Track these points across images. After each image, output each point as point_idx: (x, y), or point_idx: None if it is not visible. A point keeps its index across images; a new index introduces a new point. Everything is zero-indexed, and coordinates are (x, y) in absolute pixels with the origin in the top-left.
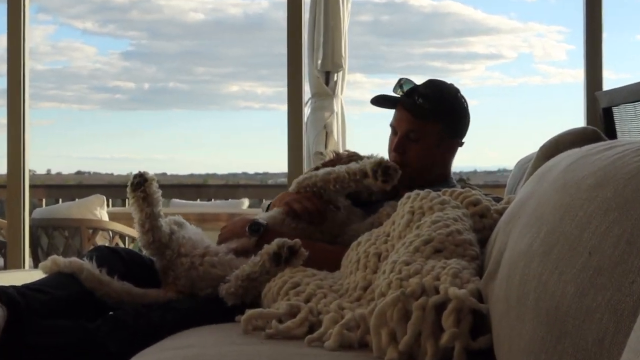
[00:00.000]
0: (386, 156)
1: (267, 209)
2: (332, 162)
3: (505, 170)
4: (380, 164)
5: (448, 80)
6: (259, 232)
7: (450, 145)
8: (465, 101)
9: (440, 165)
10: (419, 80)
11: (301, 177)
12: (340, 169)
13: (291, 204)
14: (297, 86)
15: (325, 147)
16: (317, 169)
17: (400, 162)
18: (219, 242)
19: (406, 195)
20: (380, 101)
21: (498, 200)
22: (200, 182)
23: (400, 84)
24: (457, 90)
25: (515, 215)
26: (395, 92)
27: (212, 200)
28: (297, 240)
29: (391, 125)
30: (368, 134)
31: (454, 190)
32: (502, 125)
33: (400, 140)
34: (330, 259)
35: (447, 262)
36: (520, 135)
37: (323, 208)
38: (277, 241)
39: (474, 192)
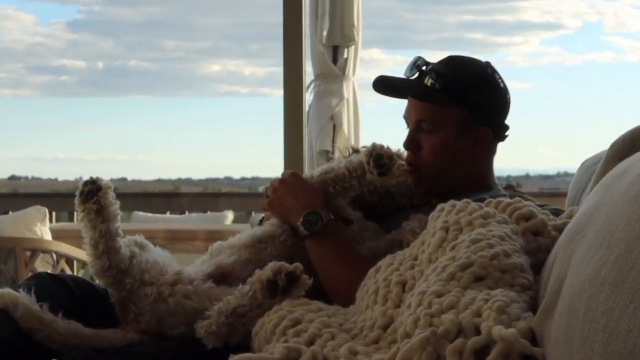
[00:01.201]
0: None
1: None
2: None
3: (566, 174)
4: (370, 153)
5: (492, 59)
6: (314, 228)
7: (478, 137)
8: (498, 78)
9: (469, 163)
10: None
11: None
12: (340, 164)
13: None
14: (296, 65)
15: (333, 143)
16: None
17: (413, 161)
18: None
19: (439, 207)
20: (382, 85)
21: (557, 213)
22: (170, 190)
23: (415, 64)
24: (485, 65)
25: (579, 233)
26: (409, 75)
27: (186, 213)
28: (297, 264)
29: (404, 117)
30: (387, 126)
31: (500, 201)
32: (562, 116)
33: (411, 134)
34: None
35: (490, 293)
36: (586, 128)
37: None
38: (271, 266)
39: (525, 202)
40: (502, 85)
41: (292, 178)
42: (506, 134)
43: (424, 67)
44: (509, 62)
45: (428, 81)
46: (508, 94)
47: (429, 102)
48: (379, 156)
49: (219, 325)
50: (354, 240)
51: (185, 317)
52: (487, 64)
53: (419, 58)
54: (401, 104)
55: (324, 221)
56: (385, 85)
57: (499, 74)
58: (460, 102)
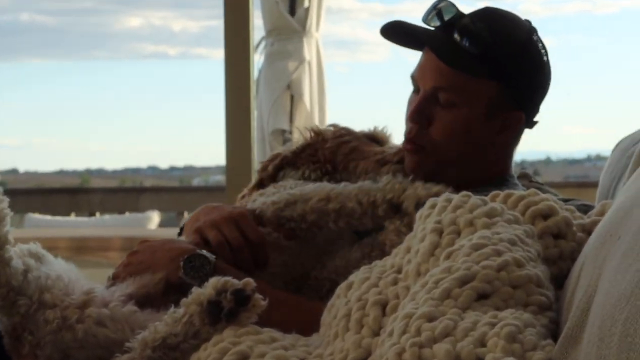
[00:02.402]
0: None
1: (181, 232)
2: (312, 149)
3: (598, 158)
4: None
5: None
6: (202, 273)
7: (507, 121)
8: (542, 47)
9: (488, 152)
10: (466, 8)
11: (270, 200)
12: (347, 189)
13: (204, 230)
14: (240, 18)
15: (291, 121)
16: (279, 167)
17: (417, 137)
18: (111, 283)
19: (429, 202)
20: (395, 32)
21: (586, 210)
22: (76, 185)
23: (437, 9)
24: (530, 29)
25: (612, 235)
26: (428, 23)
27: (97, 214)
28: (248, 280)
29: (412, 77)
30: (363, 97)
31: (509, 193)
32: (593, 82)
33: (421, 102)
34: (304, 314)
35: (498, 316)
36: (624, 99)
37: (261, 239)
38: (214, 282)
39: (543, 195)
40: (545, 57)
41: (142, 244)
42: (535, 119)
43: (452, 17)
44: (524, 10)
45: (463, 40)
46: (550, 68)
47: (457, 69)
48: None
49: None
50: (320, 249)
51: (98, 350)
52: (532, 28)
53: (447, 1)
54: (387, 67)
55: (211, 263)
56: (401, 30)
57: (542, 42)
58: (498, 75)
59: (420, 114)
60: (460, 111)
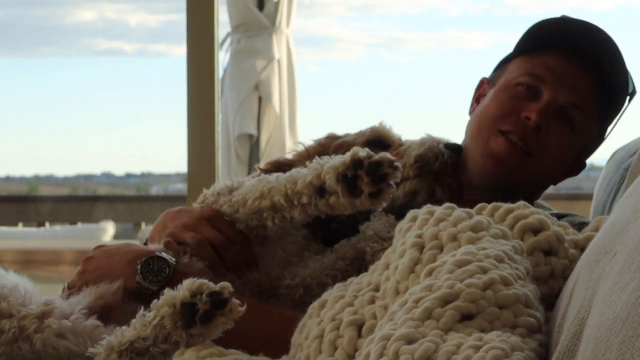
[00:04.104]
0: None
1: (146, 244)
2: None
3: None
4: (357, 160)
5: None
6: (161, 276)
7: (579, 168)
8: None
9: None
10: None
11: (240, 194)
12: (279, 181)
13: (177, 234)
14: (204, 12)
15: (259, 124)
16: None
17: (532, 140)
18: (67, 293)
19: (410, 214)
20: (566, 28)
21: (580, 225)
22: (23, 192)
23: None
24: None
25: (607, 252)
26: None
27: (47, 225)
28: (225, 284)
29: (533, 74)
30: (341, 98)
31: (497, 206)
32: None
33: (548, 110)
34: (281, 325)
35: (483, 338)
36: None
37: (243, 236)
38: (189, 283)
39: (533, 209)
40: None
41: (97, 249)
42: None
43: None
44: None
45: (619, 75)
46: None
47: (599, 102)
48: (378, 163)
49: None
50: (284, 259)
51: None
52: None
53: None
54: (365, 68)
55: (171, 266)
56: (580, 27)
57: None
58: (616, 111)
59: (543, 122)
60: (579, 137)
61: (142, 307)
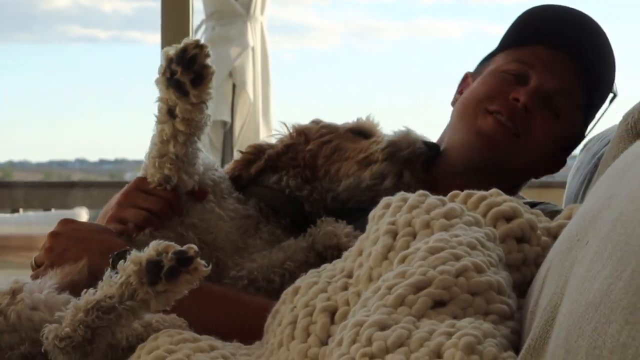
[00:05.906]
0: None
1: None
2: (293, 151)
3: None
4: (168, 58)
5: None
6: None
7: (564, 160)
8: None
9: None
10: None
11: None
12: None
13: (118, 215)
14: (179, 0)
15: (232, 111)
16: (263, 169)
17: (520, 121)
18: (36, 273)
19: (383, 201)
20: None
21: (552, 213)
22: None
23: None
24: None
25: (580, 240)
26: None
27: (20, 211)
28: (191, 245)
29: (521, 61)
30: (310, 87)
31: (470, 193)
32: None
33: (536, 94)
34: (245, 316)
35: (455, 325)
36: None
37: (171, 193)
38: (155, 244)
39: (506, 196)
40: None
41: (66, 225)
42: None
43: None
44: None
45: (602, 62)
46: None
47: (598, 92)
48: (182, 50)
49: (74, 326)
50: (247, 244)
51: (34, 333)
52: None
53: None
54: (341, 55)
55: None
56: (562, 15)
57: None
58: (599, 107)
59: (531, 106)
60: (562, 123)
61: (110, 269)
